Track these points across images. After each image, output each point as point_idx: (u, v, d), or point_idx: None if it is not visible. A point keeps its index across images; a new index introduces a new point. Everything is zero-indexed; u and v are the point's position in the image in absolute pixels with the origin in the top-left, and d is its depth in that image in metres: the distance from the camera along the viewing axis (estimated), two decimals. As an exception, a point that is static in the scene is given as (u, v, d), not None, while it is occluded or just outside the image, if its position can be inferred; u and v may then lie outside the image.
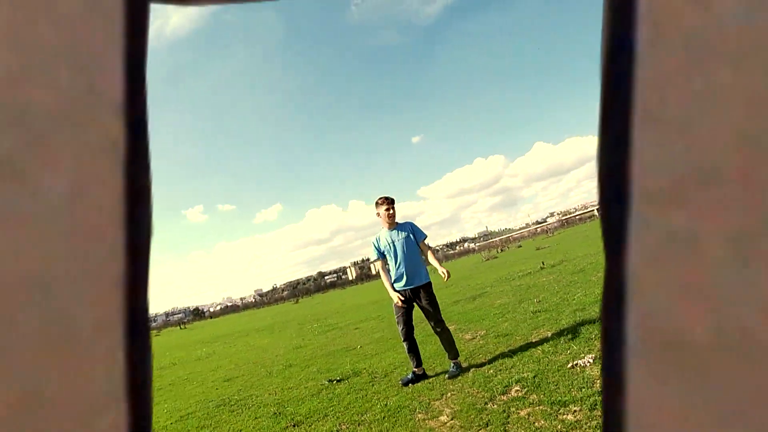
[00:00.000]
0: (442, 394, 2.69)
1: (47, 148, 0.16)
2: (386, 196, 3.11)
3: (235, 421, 3.00)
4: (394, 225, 3.13)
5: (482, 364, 3.03)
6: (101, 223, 0.17)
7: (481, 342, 3.69)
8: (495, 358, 3.03)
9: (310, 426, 2.56)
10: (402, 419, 2.40)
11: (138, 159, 0.17)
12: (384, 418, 2.51)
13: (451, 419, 2.24)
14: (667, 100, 0.16)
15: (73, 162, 0.17)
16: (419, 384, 2.97)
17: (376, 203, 3.09)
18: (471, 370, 2.96)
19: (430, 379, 2.99)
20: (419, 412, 2.45)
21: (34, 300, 0.17)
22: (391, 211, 3.10)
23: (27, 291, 0.17)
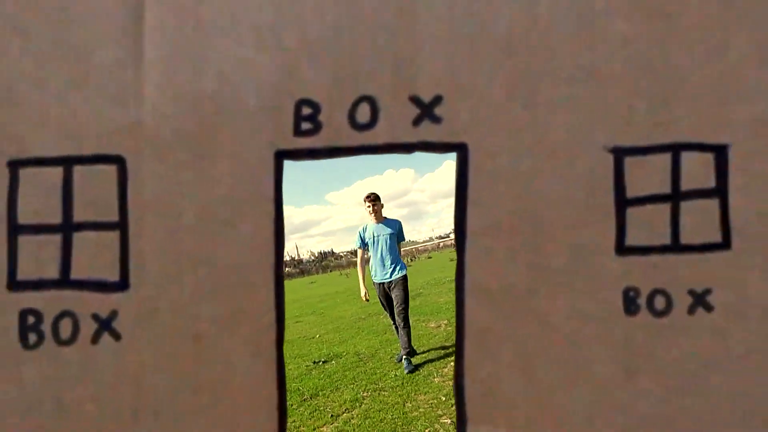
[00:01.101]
0: (446, 365, 2.95)
1: (244, 215, 0.43)
2: (370, 192, 3.32)
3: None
4: (381, 219, 3.32)
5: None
6: (266, 243, 0.44)
7: (449, 329, 3.95)
8: (475, 339, 3.30)
9: (327, 397, 2.82)
10: (421, 383, 2.65)
11: (279, 219, 0.44)
12: (402, 384, 2.75)
13: (470, 380, 2.50)
14: (480, 204, 0.43)
15: (253, 221, 0.44)
16: (414, 359, 3.21)
17: (363, 199, 3.30)
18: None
19: (423, 354, 3.24)
20: (435, 377, 2.72)
21: (238, 278, 0.44)
22: (373, 207, 3.26)
23: (234, 271, 0.44)
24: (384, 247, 3.28)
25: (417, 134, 0.43)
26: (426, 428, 2.11)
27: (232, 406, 0.44)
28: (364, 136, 0.43)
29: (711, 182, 0.42)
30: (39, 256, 0.44)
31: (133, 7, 0.43)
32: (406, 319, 3.19)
